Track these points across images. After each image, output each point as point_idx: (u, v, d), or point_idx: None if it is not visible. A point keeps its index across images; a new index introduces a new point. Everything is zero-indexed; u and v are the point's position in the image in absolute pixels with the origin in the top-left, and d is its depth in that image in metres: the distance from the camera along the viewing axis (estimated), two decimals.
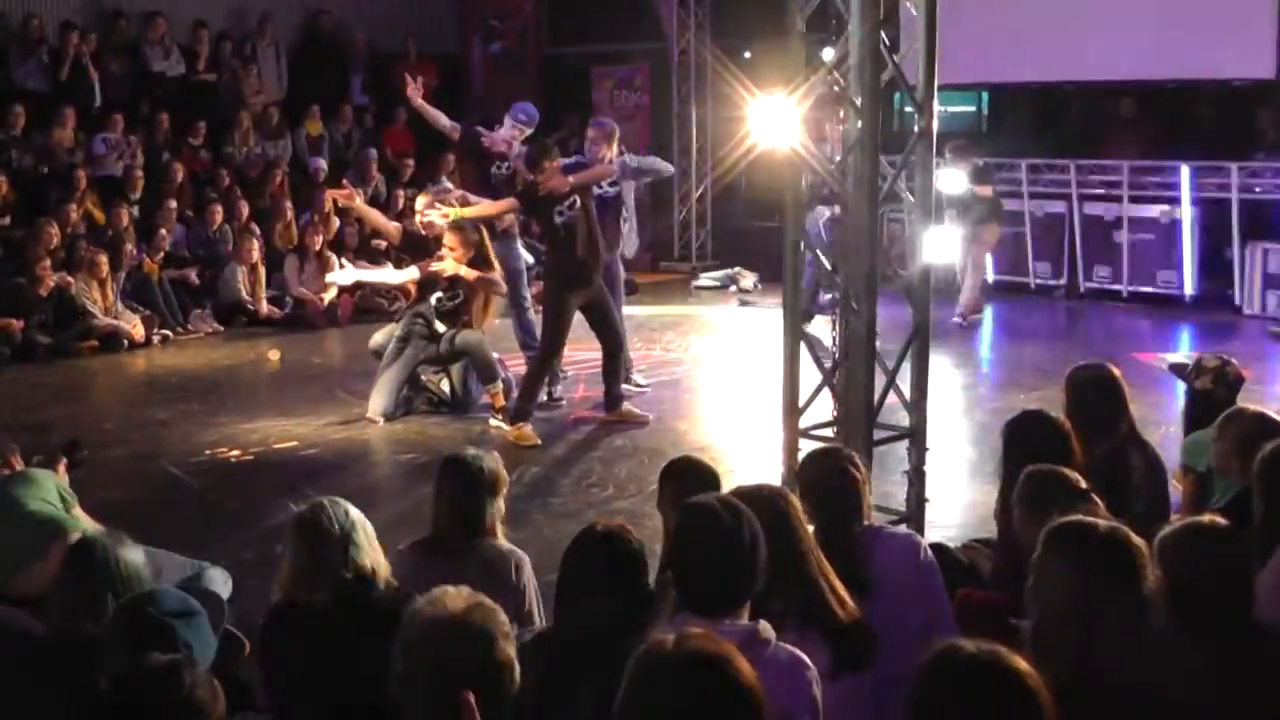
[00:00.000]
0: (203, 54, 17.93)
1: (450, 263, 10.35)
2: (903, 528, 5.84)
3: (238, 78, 18.15)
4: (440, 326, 10.53)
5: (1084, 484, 4.85)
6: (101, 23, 17.55)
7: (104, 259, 13.84)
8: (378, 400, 10.49)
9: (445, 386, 10.91)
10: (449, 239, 10.36)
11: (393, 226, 11.26)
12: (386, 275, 11.58)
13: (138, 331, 13.76)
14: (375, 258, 14.30)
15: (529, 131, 11.15)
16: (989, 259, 15.58)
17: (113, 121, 16.37)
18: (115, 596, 4.39)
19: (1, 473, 6.47)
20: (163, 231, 15.13)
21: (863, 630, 4.26)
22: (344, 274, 11.44)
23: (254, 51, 18.59)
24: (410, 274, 10.72)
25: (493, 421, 10.30)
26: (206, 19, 18.13)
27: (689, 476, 5.11)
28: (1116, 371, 6.17)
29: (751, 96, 8.49)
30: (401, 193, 16.83)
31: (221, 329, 14.71)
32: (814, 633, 4.14)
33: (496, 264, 10.62)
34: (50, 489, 6.32)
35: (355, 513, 4.57)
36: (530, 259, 12.09)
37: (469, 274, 10.37)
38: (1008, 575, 4.98)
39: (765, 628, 3.80)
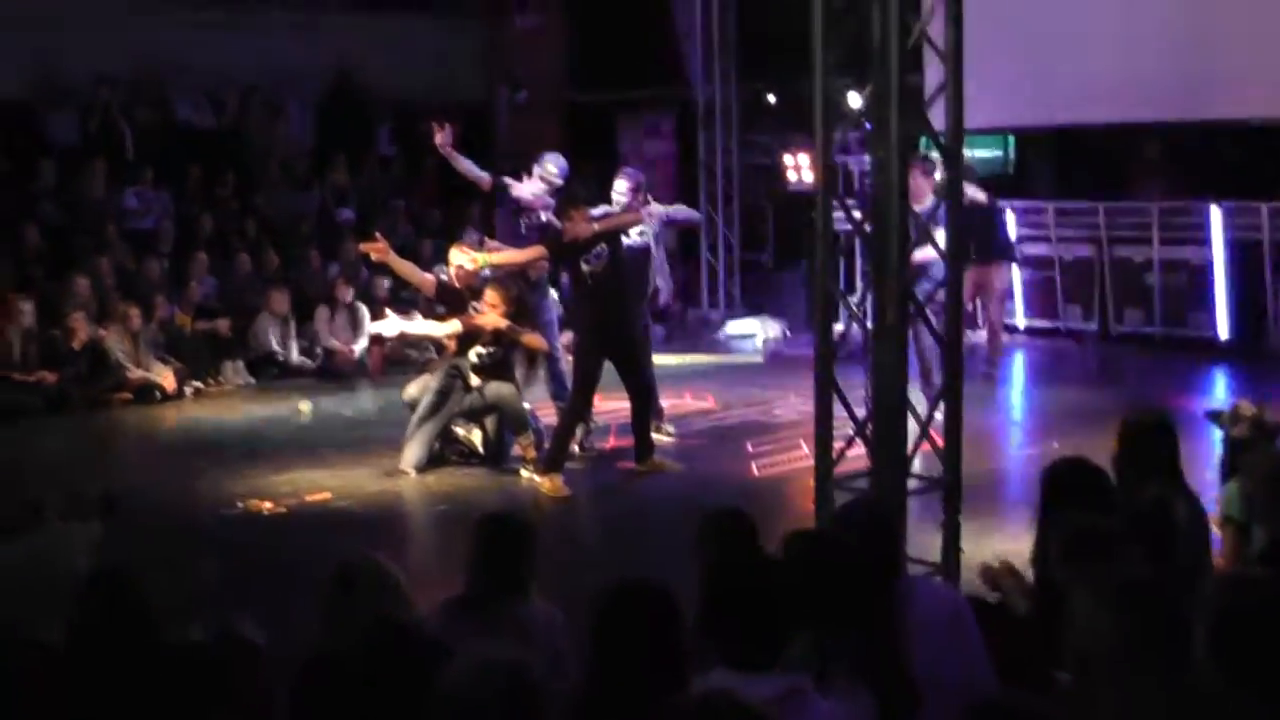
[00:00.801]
0: (231, 106, 18.04)
1: (492, 316, 10.37)
2: (938, 579, 5.81)
3: (266, 129, 18.26)
4: (475, 380, 10.54)
5: (1122, 532, 4.81)
6: (132, 76, 17.69)
7: (136, 311, 13.91)
8: (412, 452, 10.49)
9: (477, 438, 10.90)
10: (489, 295, 10.38)
11: (427, 279, 11.26)
12: (430, 328, 11.57)
13: (169, 383, 13.80)
14: (406, 309, 14.30)
15: (558, 182, 11.14)
16: (1009, 303, 15.47)
17: (143, 174, 16.48)
18: (139, 639, 4.39)
19: (36, 525, 6.45)
20: (193, 283, 15.20)
21: (910, 684, 4.23)
22: (388, 324, 11.44)
23: (282, 103, 18.71)
24: (453, 327, 10.71)
25: (524, 472, 10.29)
26: (236, 71, 18.26)
27: (726, 526, 5.09)
28: (1169, 418, 6.10)
29: (778, 143, 8.57)
30: (429, 243, 16.86)
31: (253, 380, 14.75)
32: (863, 685, 4.11)
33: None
34: (83, 542, 6.31)
35: (388, 566, 4.56)
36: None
37: (512, 329, 10.37)
38: (1046, 624, 4.94)
39: (806, 680, 3.77)
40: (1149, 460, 5.86)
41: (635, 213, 10.72)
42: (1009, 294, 15.31)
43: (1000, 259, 14.33)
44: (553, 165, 11.20)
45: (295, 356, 15.16)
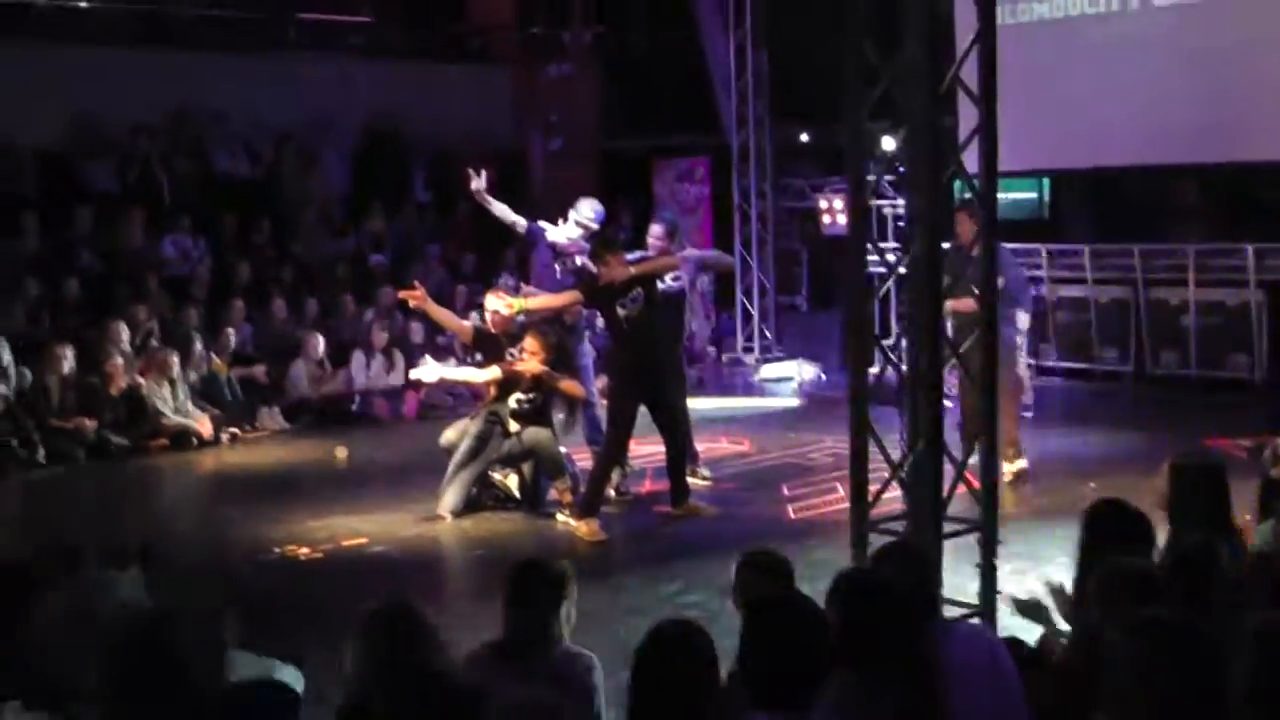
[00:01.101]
0: (267, 154, 18.19)
1: (533, 363, 10.39)
2: (975, 621, 5.79)
3: (302, 177, 18.39)
4: (513, 426, 10.57)
5: (1162, 575, 4.78)
6: (169, 125, 17.86)
7: (174, 358, 13.99)
8: (450, 497, 10.52)
9: (513, 483, 10.91)
10: (529, 342, 10.41)
11: (465, 326, 11.29)
12: (470, 374, 11.57)
13: (206, 430, 13.88)
14: (441, 355, 14.34)
15: (594, 228, 11.17)
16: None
17: (181, 222, 16.62)
18: (180, 686, 4.39)
19: (75, 572, 6.49)
20: (229, 330, 15.29)
21: None
22: (427, 370, 11.47)
23: (317, 151, 18.85)
24: (493, 374, 10.75)
25: (560, 517, 10.30)
26: (271, 120, 18.42)
27: (763, 568, 5.10)
28: (1220, 463, 6.06)
29: (813, 187, 8.60)
30: (464, 288, 16.92)
31: (289, 426, 14.80)
32: None
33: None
34: (124, 590, 6.34)
35: (423, 611, 4.56)
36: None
37: (551, 376, 10.39)
38: (1083, 667, 4.92)
39: None
40: (1196, 504, 5.82)
41: (671, 257, 10.75)
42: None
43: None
44: (588, 210, 11.24)
45: (330, 403, 15.21)
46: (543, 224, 11.42)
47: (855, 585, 4.38)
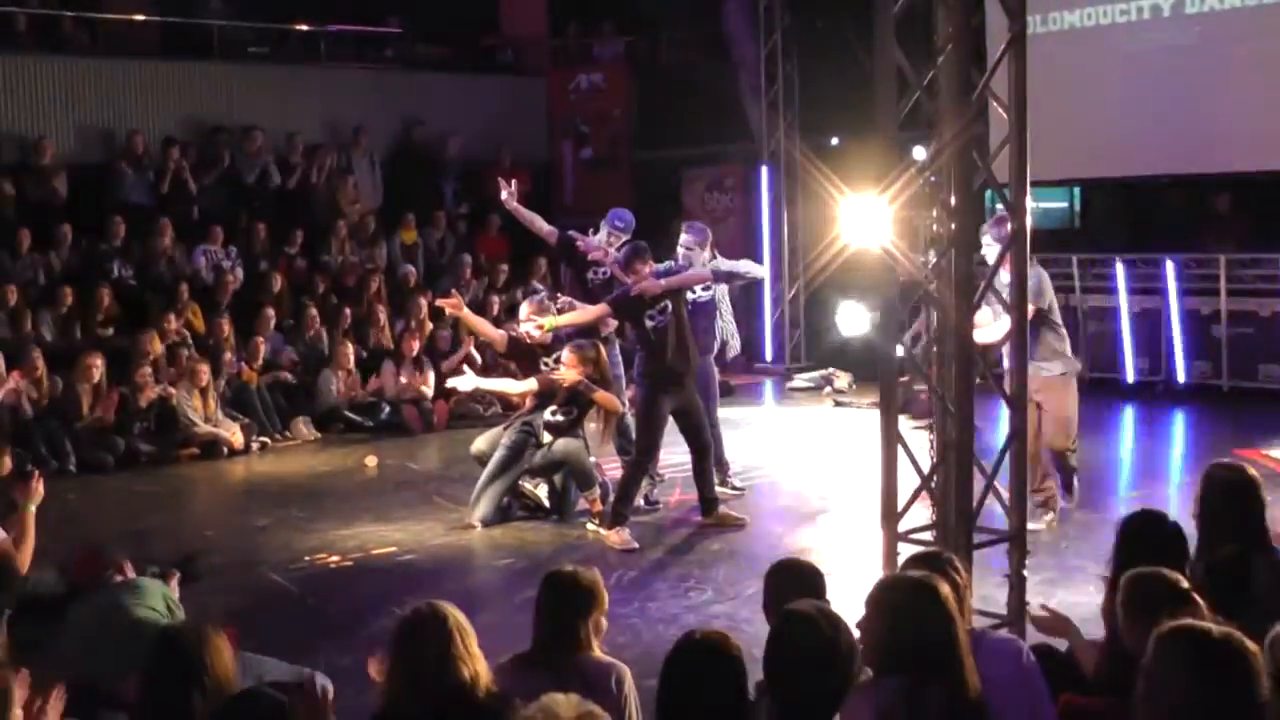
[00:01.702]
0: (299, 165, 18.26)
1: (571, 373, 10.38)
2: (1004, 631, 5.78)
3: (334, 187, 18.46)
4: (546, 436, 10.59)
5: (1187, 586, 4.77)
6: (200, 137, 17.96)
7: (205, 367, 14.04)
8: (482, 507, 10.54)
9: (542, 493, 10.92)
10: (567, 357, 10.42)
11: (498, 335, 11.30)
12: (507, 385, 11.59)
13: (236, 439, 13.92)
14: (473, 364, 14.35)
15: (625, 237, 11.20)
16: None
17: (212, 233, 16.72)
18: (203, 694, 4.43)
19: (113, 580, 6.52)
20: (260, 339, 15.35)
21: None
22: (465, 380, 11.48)
23: (349, 161, 18.93)
24: (529, 385, 10.77)
25: (590, 526, 10.32)
26: (303, 130, 18.50)
27: (794, 578, 5.10)
28: (1255, 474, 6.03)
29: (842, 196, 8.58)
30: (496, 299, 16.96)
31: (319, 435, 14.84)
32: None
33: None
34: (157, 597, 6.37)
35: (457, 617, 4.57)
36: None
37: (587, 386, 10.38)
38: (1115, 678, 4.90)
39: None
40: (1230, 515, 5.80)
41: (700, 270, 10.77)
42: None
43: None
44: (619, 220, 11.30)
45: (361, 412, 15.25)
46: (573, 233, 11.46)
47: (899, 592, 4.37)
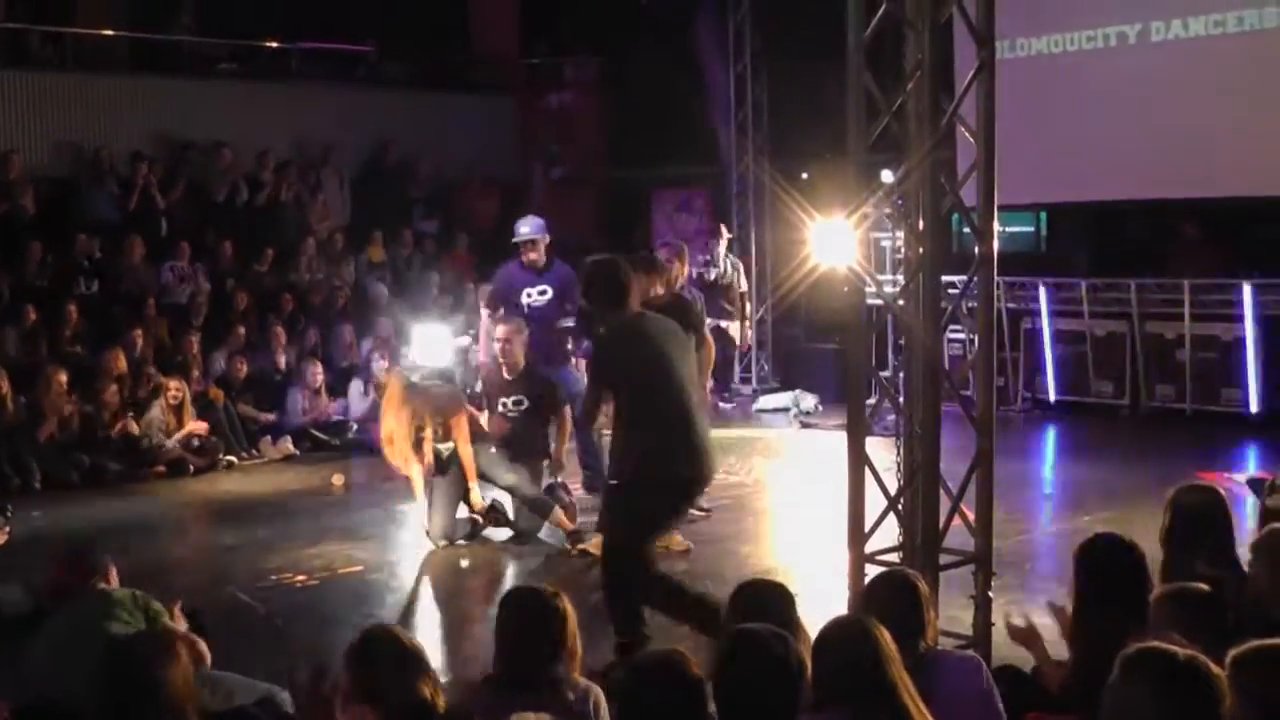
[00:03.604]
0: (268, 182, 18.22)
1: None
2: (969, 653, 5.80)
3: (303, 205, 18.44)
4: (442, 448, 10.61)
5: (1162, 609, 4.79)
6: (170, 153, 17.92)
7: (174, 384, 14.00)
8: (436, 523, 10.52)
9: (508, 501, 10.85)
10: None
11: (493, 429, 11.01)
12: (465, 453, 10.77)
13: (203, 458, 13.88)
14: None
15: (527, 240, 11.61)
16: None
17: (179, 249, 16.66)
18: (158, 712, 4.39)
19: (96, 587, 6.43)
20: (227, 356, 15.31)
21: None
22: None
23: (319, 179, 18.91)
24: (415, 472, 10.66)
25: (565, 545, 10.27)
26: (272, 148, 18.47)
27: (757, 599, 5.10)
28: (1223, 495, 6.07)
29: (810, 219, 8.62)
30: (462, 318, 16.94)
31: (292, 453, 14.78)
32: None
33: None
34: (133, 608, 6.29)
35: (410, 638, 4.56)
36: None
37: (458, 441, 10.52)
38: (1079, 698, 4.93)
39: None
40: (1198, 537, 5.84)
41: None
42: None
43: None
44: (523, 226, 11.73)
45: (324, 430, 15.22)
46: (484, 306, 11.73)
47: (841, 631, 4.39)
